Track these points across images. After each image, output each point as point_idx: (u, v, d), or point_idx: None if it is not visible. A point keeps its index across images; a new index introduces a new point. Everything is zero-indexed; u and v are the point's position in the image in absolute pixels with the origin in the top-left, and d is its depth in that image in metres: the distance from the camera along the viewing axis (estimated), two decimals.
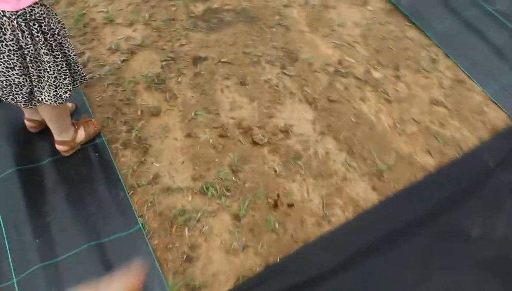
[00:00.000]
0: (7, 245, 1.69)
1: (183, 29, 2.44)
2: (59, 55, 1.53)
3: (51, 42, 1.48)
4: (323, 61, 2.33)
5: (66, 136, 1.85)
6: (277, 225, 1.76)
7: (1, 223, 1.74)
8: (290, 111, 2.11)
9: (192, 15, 2.54)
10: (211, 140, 1.99)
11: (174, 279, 1.63)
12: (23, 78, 1.55)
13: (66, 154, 1.90)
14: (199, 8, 2.58)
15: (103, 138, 1.97)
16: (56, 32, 1.48)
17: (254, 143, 1.99)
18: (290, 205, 1.81)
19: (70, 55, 1.59)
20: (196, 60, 2.29)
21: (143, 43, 2.37)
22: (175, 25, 2.46)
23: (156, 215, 1.77)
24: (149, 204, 1.80)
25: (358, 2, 2.67)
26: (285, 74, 2.25)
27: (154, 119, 2.06)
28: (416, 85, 2.27)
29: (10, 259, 1.67)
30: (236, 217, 1.78)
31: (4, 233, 1.71)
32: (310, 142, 2.00)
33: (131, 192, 1.83)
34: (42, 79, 1.58)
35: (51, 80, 1.57)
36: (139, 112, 2.08)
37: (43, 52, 1.47)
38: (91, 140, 1.96)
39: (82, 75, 1.70)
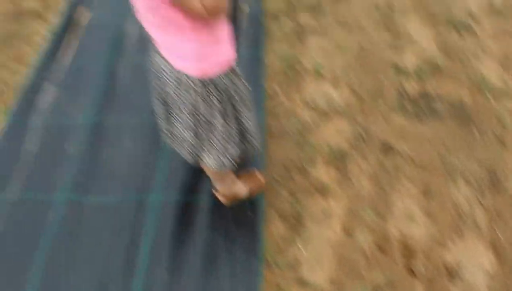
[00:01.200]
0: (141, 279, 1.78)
1: (386, 107, 2.27)
2: (231, 122, 1.50)
3: (226, 107, 1.44)
4: None
5: (226, 189, 1.86)
6: None
7: (146, 252, 1.84)
8: (466, 250, 1.82)
9: (403, 93, 2.35)
10: (367, 248, 1.82)
11: None
12: (190, 136, 1.54)
13: (224, 203, 1.92)
14: (413, 87, 2.37)
15: (263, 200, 1.94)
16: (235, 99, 1.44)
17: (410, 271, 1.76)
18: None
19: (245, 124, 1.55)
20: (387, 149, 2.12)
21: (340, 108, 2.27)
22: (380, 99, 2.30)
23: None
24: None
25: None
26: (478, 200, 1.95)
27: (320, 199, 1.97)
28: None
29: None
30: None
31: (142, 261, 1.81)
32: None
33: (266, 268, 1.77)
34: (208, 143, 1.55)
35: (218, 145, 1.54)
36: (308, 184, 2.01)
37: (215, 116, 1.44)
38: (251, 196, 1.95)
39: (256, 147, 1.65)
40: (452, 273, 1.76)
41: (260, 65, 2.45)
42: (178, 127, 1.54)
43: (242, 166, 2.03)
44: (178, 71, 1.35)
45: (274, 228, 1.88)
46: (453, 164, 2.06)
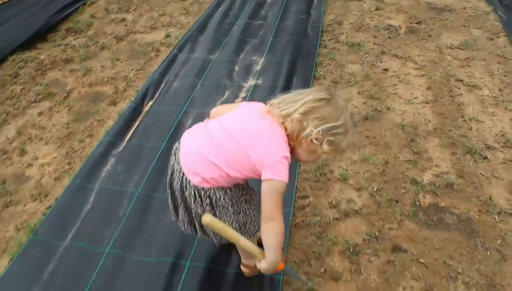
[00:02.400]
0: None
1: (400, 214, 2.56)
2: (225, 221, 1.83)
3: (217, 212, 1.80)
4: None
5: (250, 262, 2.15)
6: None
7: None
8: None
9: (417, 204, 2.64)
10: None
11: None
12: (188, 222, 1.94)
13: (246, 275, 2.20)
14: (427, 200, 2.67)
15: (281, 277, 2.21)
16: (227, 207, 1.79)
17: None
18: None
19: (242, 222, 1.87)
20: (396, 249, 2.38)
21: (359, 210, 2.58)
22: (396, 207, 2.60)
23: None
24: None
25: None
26: None
27: (331, 283, 2.22)
28: None
29: None
30: None
31: None
32: None
33: None
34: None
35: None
36: (322, 270, 2.27)
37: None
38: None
39: (250, 235, 1.94)
40: None
41: (296, 170, 2.82)
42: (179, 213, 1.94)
43: None
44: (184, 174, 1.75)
45: None
46: (456, 269, 2.29)
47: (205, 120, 1.89)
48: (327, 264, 2.31)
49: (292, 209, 2.56)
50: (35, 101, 3.62)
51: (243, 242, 1.74)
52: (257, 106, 1.82)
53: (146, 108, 3.48)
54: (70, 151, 3.09)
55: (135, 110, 3.42)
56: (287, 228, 2.44)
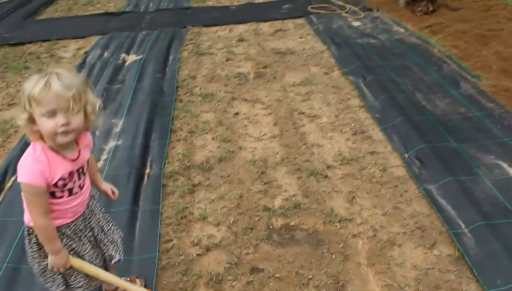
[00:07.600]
0: None
1: (256, 239, 2.85)
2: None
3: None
4: None
5: (109, 287, 2.33)
6: None
7: None
8: None
9: (271, 227, 2.96)
10: None
11: None
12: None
13: None
14: (279, 222, 3.00)
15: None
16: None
17: None
18: None
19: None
20: (253, 270, 2.65)
21: (219, 243, 2.83)
22: (251, 234, 2.90)
23: None
24: None
25: (426, 243, 2.79)
26: None
27: None
28: None
29: None
30: None
31: None
32: None
33: None
34: None
35: None
36: None
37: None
38: None
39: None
40: None
41: (158, 219, 3.03)
42: None
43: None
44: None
45: None
46: (307, 277, 2.60)
47: None
48: None
49: (157, 254, 2.74)
50: None
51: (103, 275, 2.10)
52: None
53: (8, 184, 3.49)
54: None
55: None
56: (153, 271, 2.62)
